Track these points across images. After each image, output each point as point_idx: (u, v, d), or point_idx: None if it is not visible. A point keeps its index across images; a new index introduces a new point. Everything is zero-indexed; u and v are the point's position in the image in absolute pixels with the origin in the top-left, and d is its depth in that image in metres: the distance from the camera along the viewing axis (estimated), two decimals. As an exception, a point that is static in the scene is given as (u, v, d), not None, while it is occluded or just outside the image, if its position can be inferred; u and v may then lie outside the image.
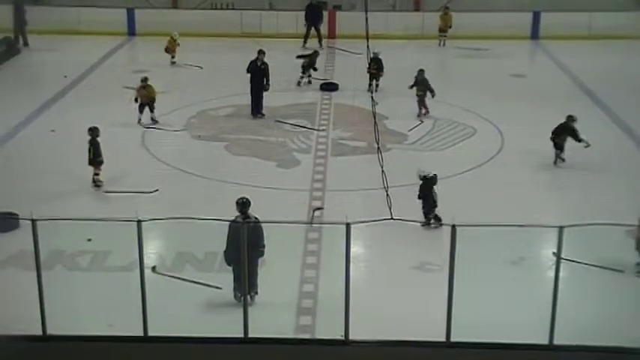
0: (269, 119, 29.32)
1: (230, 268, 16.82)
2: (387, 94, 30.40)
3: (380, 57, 31.02)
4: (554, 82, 34.81)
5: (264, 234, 16.96)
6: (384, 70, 31.62)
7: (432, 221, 20.47)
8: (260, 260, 17.20)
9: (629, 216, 17.88)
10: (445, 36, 40.91)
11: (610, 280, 17.90)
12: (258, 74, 29.34)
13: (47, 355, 14.52)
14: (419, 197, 20.76)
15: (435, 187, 20.74)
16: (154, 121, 28.19)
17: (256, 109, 29.58)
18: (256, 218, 17.26)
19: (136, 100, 28.00)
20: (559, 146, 24.86)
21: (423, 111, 29.56)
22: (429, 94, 29.32)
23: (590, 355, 14.50)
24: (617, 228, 17.38)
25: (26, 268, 15.08)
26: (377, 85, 31.24)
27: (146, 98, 28.05)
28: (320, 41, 40.05)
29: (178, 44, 37.11)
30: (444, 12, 40.78)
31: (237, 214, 17.32)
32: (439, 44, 41.02)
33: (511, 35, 40.53)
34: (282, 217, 19.28)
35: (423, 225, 20.25)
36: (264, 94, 29.65)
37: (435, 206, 20.57)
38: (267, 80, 29.52)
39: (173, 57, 37.00)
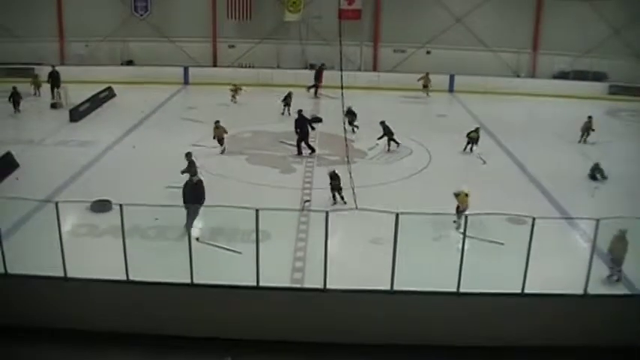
0: (275, 140, 29.06)
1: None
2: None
3: (352, 109, 29.93)
4: (463, 120, 34.74)
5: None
6: (357, 113, 30.53)
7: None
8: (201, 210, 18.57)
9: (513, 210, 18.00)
10: (427, 91, 40.65)
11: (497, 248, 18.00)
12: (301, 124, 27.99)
13: (129, 290, 14.68)
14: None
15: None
16: (222, 150, 27.41)
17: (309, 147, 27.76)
18: (200, 180, 19.55)
19: (214, 137, 27.43)
20: None
21: (394, 146, 28.38)
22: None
23: (491, 298, 14.59)
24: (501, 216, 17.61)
25: (116, 237, 15.00)
26: (357, 127, 30.24)
27: (218, 135, 27.43)
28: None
29: (240, 89, 37.42)
30: (426, 75, 40.45)
31: (193, 176, 19.76)
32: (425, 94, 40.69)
33: (437, 89, 40.55)
34: (283, 206, 19.34)
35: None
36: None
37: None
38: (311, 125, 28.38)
39: (234, 97, 37.20)
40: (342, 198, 21.19)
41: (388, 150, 28.15)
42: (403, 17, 43.58)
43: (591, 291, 14.71)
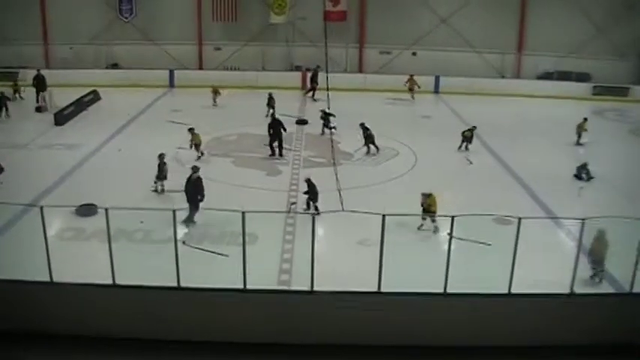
0: (260, 143, 28.83)
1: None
2: (341, 127, 30.19)
3: (327, 111, 29.46)
4: (449, 121, 34.95)
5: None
6: (335, 114, 29.72)
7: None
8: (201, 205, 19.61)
9: (500, 210, 18.01)
10: (413, 94, 40.20)
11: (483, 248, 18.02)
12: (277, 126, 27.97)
13: (116, 294, 14.60)
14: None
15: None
16: (199, 156, 26.66)
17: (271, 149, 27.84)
18: (199, 177, 20.16)
19: (190, 144, 26.90)
20: None
21: (373, 150, 28.16)
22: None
23: (477, 299, 14.61)
24: (487, 217, 17.68)
25: (102, 240, 14.97)
26: (335, 128, 29.49)
27: (196, 141, 26.93)
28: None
29: (219, 93, 37.20)
30: (410, 77, 40.11)
31: (194, 173, 20.28)
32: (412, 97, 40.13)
33: (421, 90, 40.54)
34: (269, 209, 19.33)
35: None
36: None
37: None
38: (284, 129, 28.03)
39: (215, 102, 37.01)
40: (316, 208, 20.81)
41: (367, 153, 28.19)
42: (389, 19, 43.64)
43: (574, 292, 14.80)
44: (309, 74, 40.79)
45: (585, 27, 42.47)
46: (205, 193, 20.19)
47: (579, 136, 30.42)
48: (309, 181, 21.27)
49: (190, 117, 32.09)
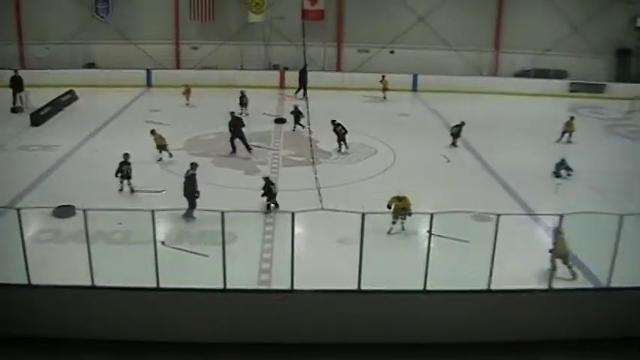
0: (239, 142, 28.66)
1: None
2: (319, 126, 30.08)
3: (299, 109, 30.13)
4: (426, 119, 35.13)
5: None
6: (304, 113, 27.92)
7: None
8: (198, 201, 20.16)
9: (478, 207, 18.08)
10: (384, 93, 39.98)
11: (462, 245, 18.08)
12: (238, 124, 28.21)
13: (94, 296, 14.50)
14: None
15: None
16: (160, 158, 26.24)
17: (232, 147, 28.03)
18: (194, 174, 20.75)
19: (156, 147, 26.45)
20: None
21: (343, 148, 28.19)
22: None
23: (457, 295, 14.67)
24: (466, 214, 17.78)
25: (80, 242, 14.86)
26: (302, 126, 30.01)
27: (159, 143, 26.43)
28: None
29: (189, 91, 37.07)
30: (383, 77, 39.99)
31: (189, 170, 20.96)
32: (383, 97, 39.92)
33: (399, 88, 40.64)
34: (248, 208, 19.30)
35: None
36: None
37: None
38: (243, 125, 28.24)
39: (187, 100, 36.92)
40: (269, 207, 20.99)
41: (339, 150, 28.21)
42: (367, 17, 43.76)
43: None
44: (287, 73, 40.76)
45: (562, 24, 42.88)
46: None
47: (569, 134, 30.50)
48: (267, 179, 21.35)
49: (169, 117, 31.96)
